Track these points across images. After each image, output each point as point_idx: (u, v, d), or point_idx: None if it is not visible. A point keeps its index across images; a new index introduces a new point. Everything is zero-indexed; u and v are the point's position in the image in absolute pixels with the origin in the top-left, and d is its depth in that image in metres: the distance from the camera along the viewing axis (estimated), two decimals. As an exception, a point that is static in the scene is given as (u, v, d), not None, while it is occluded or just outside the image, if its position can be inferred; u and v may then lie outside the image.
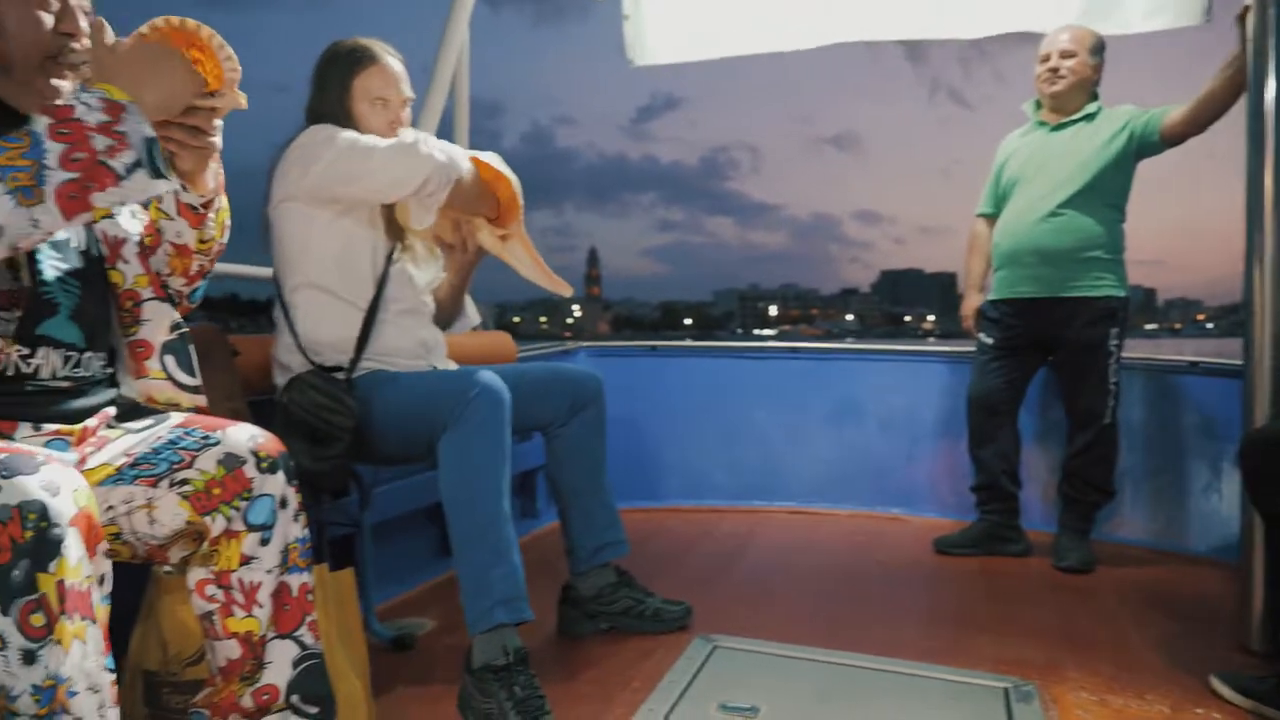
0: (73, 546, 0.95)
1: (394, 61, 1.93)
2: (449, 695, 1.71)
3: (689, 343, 3.64)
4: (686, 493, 3.49)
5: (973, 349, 2.94)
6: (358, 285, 1.88)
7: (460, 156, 1.80)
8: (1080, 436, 2.72)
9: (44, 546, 0.93)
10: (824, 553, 2.86)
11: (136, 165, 1.05)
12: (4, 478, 0.95)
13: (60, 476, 0.98)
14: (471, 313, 2.26)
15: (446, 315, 2.16)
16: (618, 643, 2.05)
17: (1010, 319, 2.78)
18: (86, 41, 1.19)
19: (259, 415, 1.85)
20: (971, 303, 2.94)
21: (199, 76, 1.13)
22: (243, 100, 1.21)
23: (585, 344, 3.64)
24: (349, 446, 1.77)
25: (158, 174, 1.07)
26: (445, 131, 2.91)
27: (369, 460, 1.91)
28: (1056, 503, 2.87)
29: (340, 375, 1.84)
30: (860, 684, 1.80)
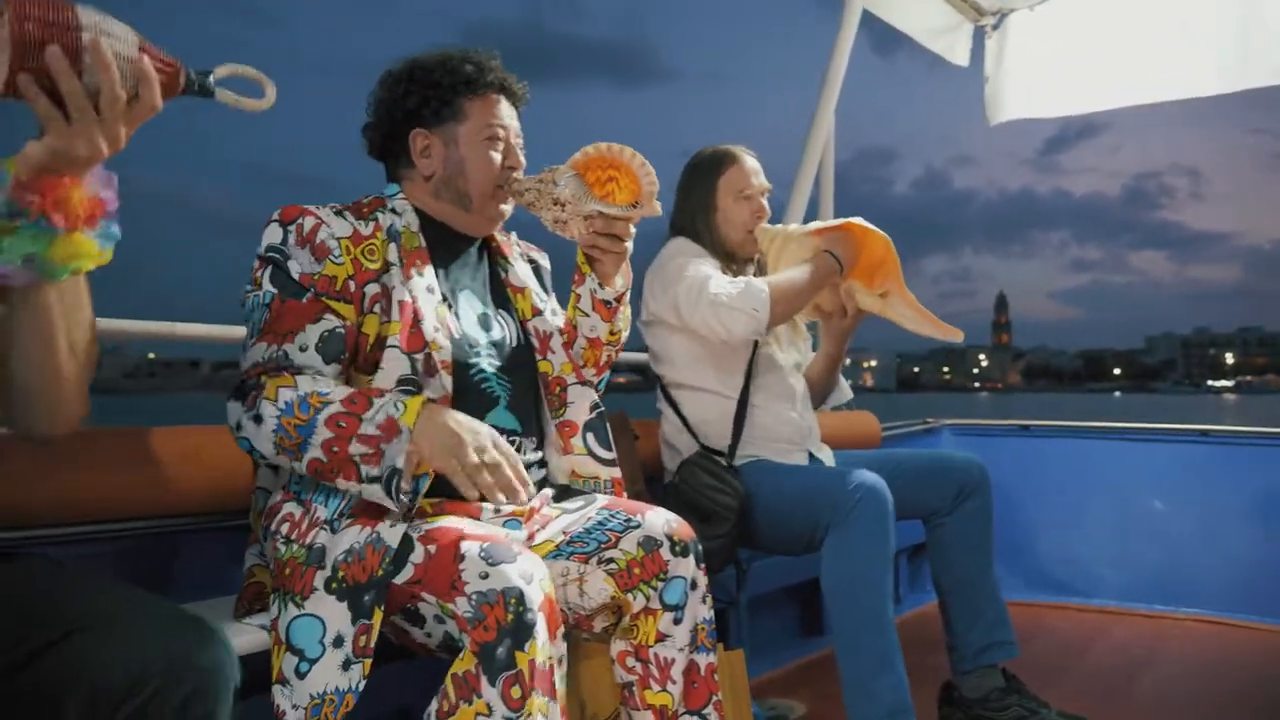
0: (542, 629, 1.10)
1: (751, 159, 2.07)
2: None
3: (1069, 422, 3.33)
4: (1069, 589, 3.16)
5: None
6: (728, 376, 1.99)
7: (764, 305, 1.82)
8: None
9: (521, 629, 1.08)
10: (1255, 678, 2.43)
11: (375, 480, 1.18)
12: (490, 565, 1.12)
13: (533, 566, 1.14)
14: (845, 387, 2.28)
15: (821, 390, 2.20)
16: (1009, 755, 1.89)
17: None
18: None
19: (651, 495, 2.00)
20: None
21: None
22: (658, 209, 1.37)
23: (948, 422, 3.48)
24: (735, 526, 1.85)
25: (388, 495, 1.18)
26: (812, 210, 2.99)
27: (748, 545, 1.98)
28: None
29: (722, 460, 1.94)
30: None
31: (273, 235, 1.30)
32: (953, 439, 3.43)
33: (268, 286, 1.27)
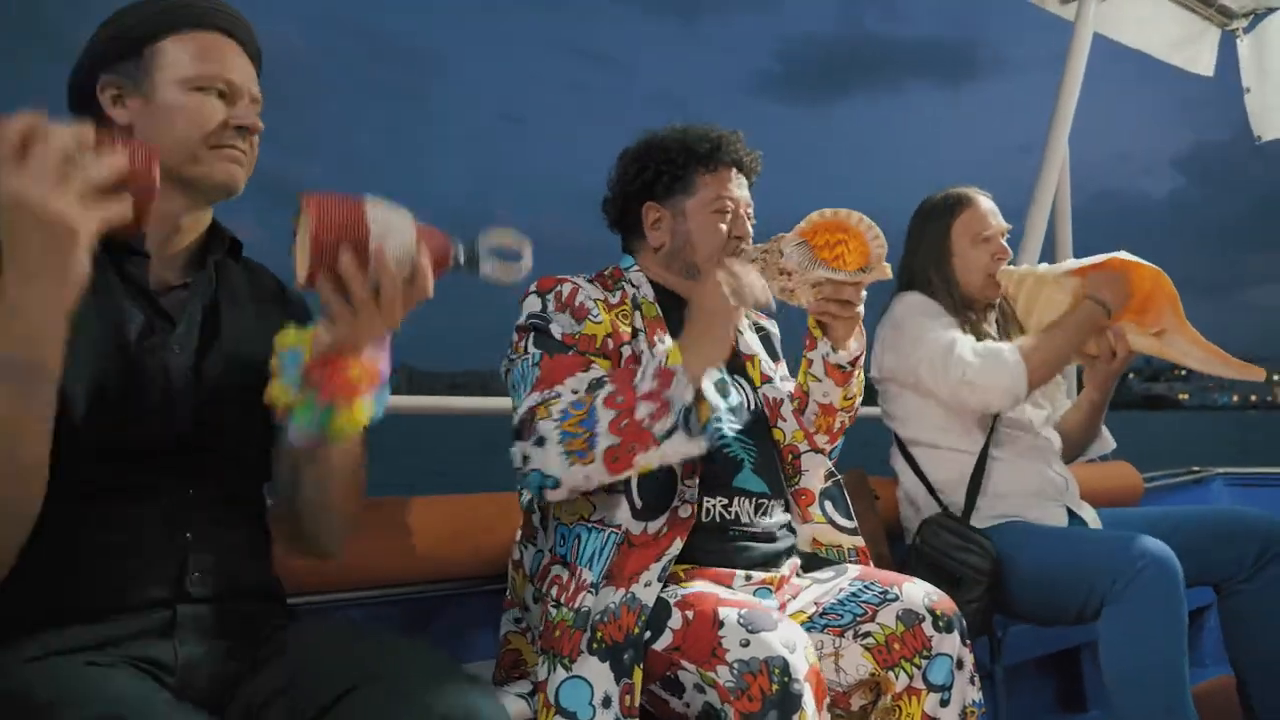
0: (809, 701, 1.05)
1: (986, 199, 1.97)
2: None
3: None
4: None
5: None
6: (966, 434, 1.88)
7: (1020, 378, 1.73)
8: None
9: (788, 699, 1.04)
10: None
11: (673, 430, 1.14)
12: (751, 633, 1.10)
13: (795, 634, 1.11)
14: (1107, 436, 2.08)
15: (1081, 439, 2.05)
16: None
17: None
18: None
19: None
20: None
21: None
22: (888, 271, 1.34)
23: (1221, 471, 3.10)
24: (987, 590, 1.72)
25: (690, 435, 1.15)
26: (1048, 248, 2.80)
27: (1004, 613, 1.84)
28: None
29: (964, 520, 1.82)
30: None
31: (532, 305, 1.35)
32: (1226, 490, 3.05)
33: (533, 349, 1.30)
